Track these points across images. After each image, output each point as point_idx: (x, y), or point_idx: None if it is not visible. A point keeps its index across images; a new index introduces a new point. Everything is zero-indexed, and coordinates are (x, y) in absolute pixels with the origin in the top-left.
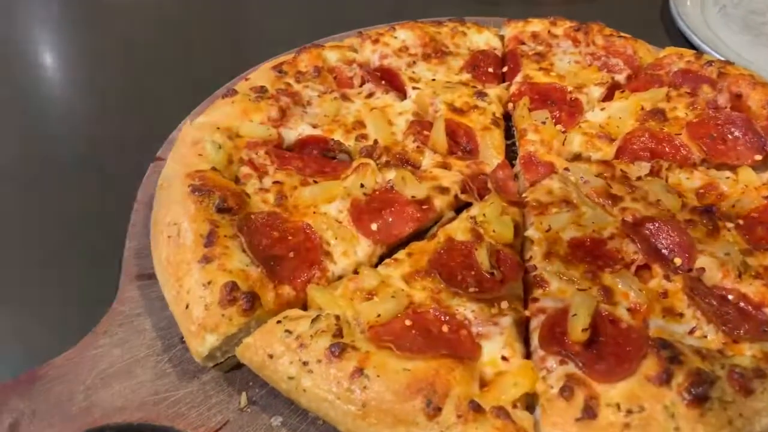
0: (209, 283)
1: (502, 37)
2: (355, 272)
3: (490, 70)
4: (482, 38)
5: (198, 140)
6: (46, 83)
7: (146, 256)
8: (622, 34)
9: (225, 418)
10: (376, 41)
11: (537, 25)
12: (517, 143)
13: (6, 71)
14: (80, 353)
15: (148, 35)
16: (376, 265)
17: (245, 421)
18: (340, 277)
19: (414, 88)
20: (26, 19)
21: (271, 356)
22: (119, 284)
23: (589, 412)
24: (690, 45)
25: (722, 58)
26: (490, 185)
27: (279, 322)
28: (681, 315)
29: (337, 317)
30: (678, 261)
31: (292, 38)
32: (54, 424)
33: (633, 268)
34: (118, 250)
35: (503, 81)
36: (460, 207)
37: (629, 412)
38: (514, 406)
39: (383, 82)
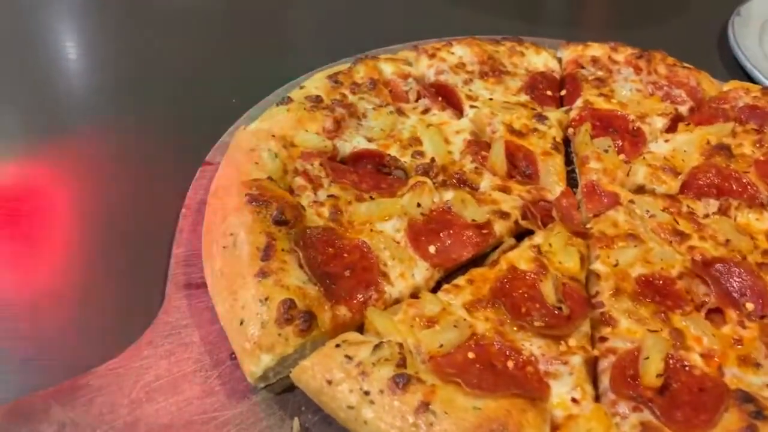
0: (266, 299)
1: (559, 60)
2: (412, 297)
3: (549, 92)
4: (540, 59)
5: (254, 147)
6: (89, 84)
7: (194, 264)
8: (685, 64)
9: None
10: (432, 56)
11: (597, 50)
12: (576, 171)
13: (53, 71)
14: (124, 364)
15: (195, 39)
16: (433, 291)
17: None
18: (396, 301)
19: (471, 106)
20: (75, 21)
21: (329, 382)
22: (165, 293)
23: None
24: (747, 78)
25: None
26: (554, 213)
27: (338, 345)
28: (758, 365)
29: (401, 345)
30: (750, 306)
31: (337, 48)
32: None
33: (704, 311)
34: (163, 256)
35: (560, 105)
36: (519, 233)
37: None
38: None
39: (439, 98)
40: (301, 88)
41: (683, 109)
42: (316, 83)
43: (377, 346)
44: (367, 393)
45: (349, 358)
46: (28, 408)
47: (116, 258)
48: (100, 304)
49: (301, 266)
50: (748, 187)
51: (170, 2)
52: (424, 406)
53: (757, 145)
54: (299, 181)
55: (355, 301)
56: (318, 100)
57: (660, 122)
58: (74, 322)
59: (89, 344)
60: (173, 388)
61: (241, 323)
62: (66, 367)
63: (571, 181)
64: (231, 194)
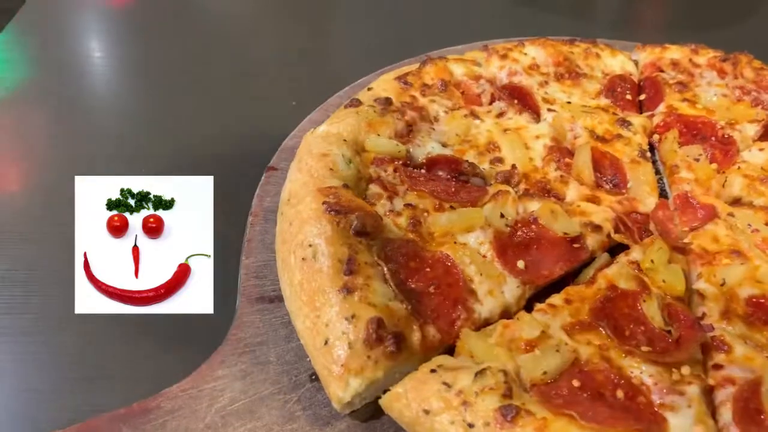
0: (353, 317)
1: (635, 63)
2: (502, 316)
3: (628, 96)
4: (617, 62)
5: (326, 152)
6: (144, 90)
7: (265, 276)
8: None
9: None
10: (503, 56)
11: (676, 52)
12: (665, 181)
13: (107, 77)
14: (196, 385)
15: (253, 40)
16: (526, 310)
17: None
18: (486, 321)
19: (549, 110)
20: (128, 29)
21: (426, 412)
22: (236, 307)
23: None
24: None
25: None
26: (652, 227)
27: (433, 371)
28: None
29: (505, 373)
30: None
31: (396, 49)
32: None
33: None
34: (231, 266)
35: (640, 110)
36: (611, 248)
37: None
38: None
39: (515, 101)
40: (369, 89)
41: None
42: (384, 85)
43: (479, 374)
44: (471, 425)
45: (447, 385)
46: (97, 431)
47: None
48: (168, 320)
49: (385, 281)
50: None
51: (227, 4)
52: None
53: None
54: (374, 188)
55: (442, 321)
56: (387, 102)
57: (752, 129)
58: (143, 340)
59: (159, 362)
60: (250, 412)
61: (326, 343)
62: (135, 388)
63: (660, 192)
64: (306, 202)
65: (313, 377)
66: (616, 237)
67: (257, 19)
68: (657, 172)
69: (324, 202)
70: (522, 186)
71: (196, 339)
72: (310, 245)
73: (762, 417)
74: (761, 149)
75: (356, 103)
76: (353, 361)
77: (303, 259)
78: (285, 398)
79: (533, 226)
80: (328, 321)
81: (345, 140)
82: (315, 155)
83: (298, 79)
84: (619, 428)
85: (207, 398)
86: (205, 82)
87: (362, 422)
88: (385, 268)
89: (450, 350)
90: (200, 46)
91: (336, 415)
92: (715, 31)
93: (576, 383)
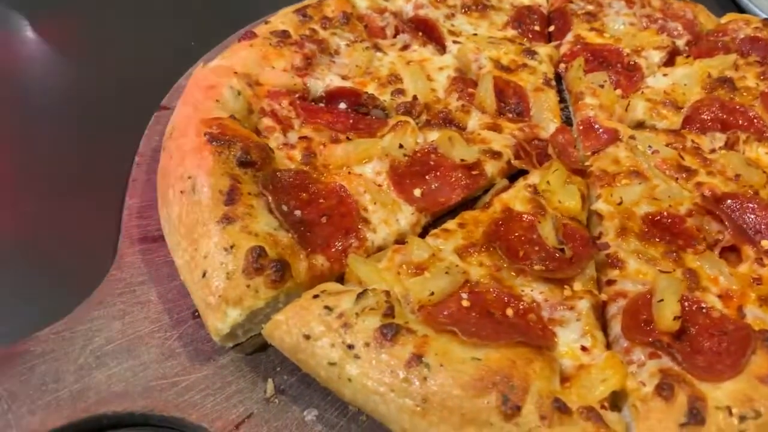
0: (231, 247)
1: None
2: (397, 243)
3: (536, 27)
4: None
5: (214, 84)
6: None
7: (150, 216)
8: None
9: (248, 410)
10: None
11: None
12: (570, 107)
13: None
14: (70, 327)
15: None
16: (421, 236)
17: (272, 414)
18: (379, 248)
19: (454, 42)
20: None
21: (307, 337)
22: (117, 248)
23: (696, 416)
24: (740, 11)
25: None
26: (551, 151)
27: (316, 296)
28: None
29: (387, 293)
30: (766, 243)
31: None
32: (37, 410)
33: (718, 249)
34: (115, 207)
35: (549, 40)
36: (512, 174)
37: (743, 418)
38: (602, 406)
39: (420, 34)
40: (266, 23)
41: (680, 43)
42: (282, 18)
43: (361, 295)
44: (350, 347)
45: (329, 309)
46: None
47: (63, 210)
48: (45, 261)
49: (270, 211)
50: (755, 120)
51: None
52: (417, 358)
53: (762, 77)
54: (266, 121)
55: (333, 250)
56: (285, 35)
57: (657, 56)
58: (15, 283)
59: (32, 307)
60: (127, 351)
61: (204, 275)
62: (4, 334)
63: (565, 119)
64: (188, 135)
65: (196, 314)
66: (516, 163)
67: None
68: (563, 101)
69: (206, 133)
70: (423, 117)
71: (73, 283)
72: (189, 177)
73: (651, 327)
74: (665, 74)
75: (251, 36)
76: (231, 291)
77: (182, 192)
78: (165, 336)
79: (432, 155)
80: (206, 253)
81: (236, 72)
82: (201, 87)
83: (200, 20)
84: (501, 342)
85: (81, 339)
86: (102, 19)
87: (247, 355)
88: (270, 198)
89: (343, 280)
90: None
91: (219, 350)
92: None
93: (465, 303)
